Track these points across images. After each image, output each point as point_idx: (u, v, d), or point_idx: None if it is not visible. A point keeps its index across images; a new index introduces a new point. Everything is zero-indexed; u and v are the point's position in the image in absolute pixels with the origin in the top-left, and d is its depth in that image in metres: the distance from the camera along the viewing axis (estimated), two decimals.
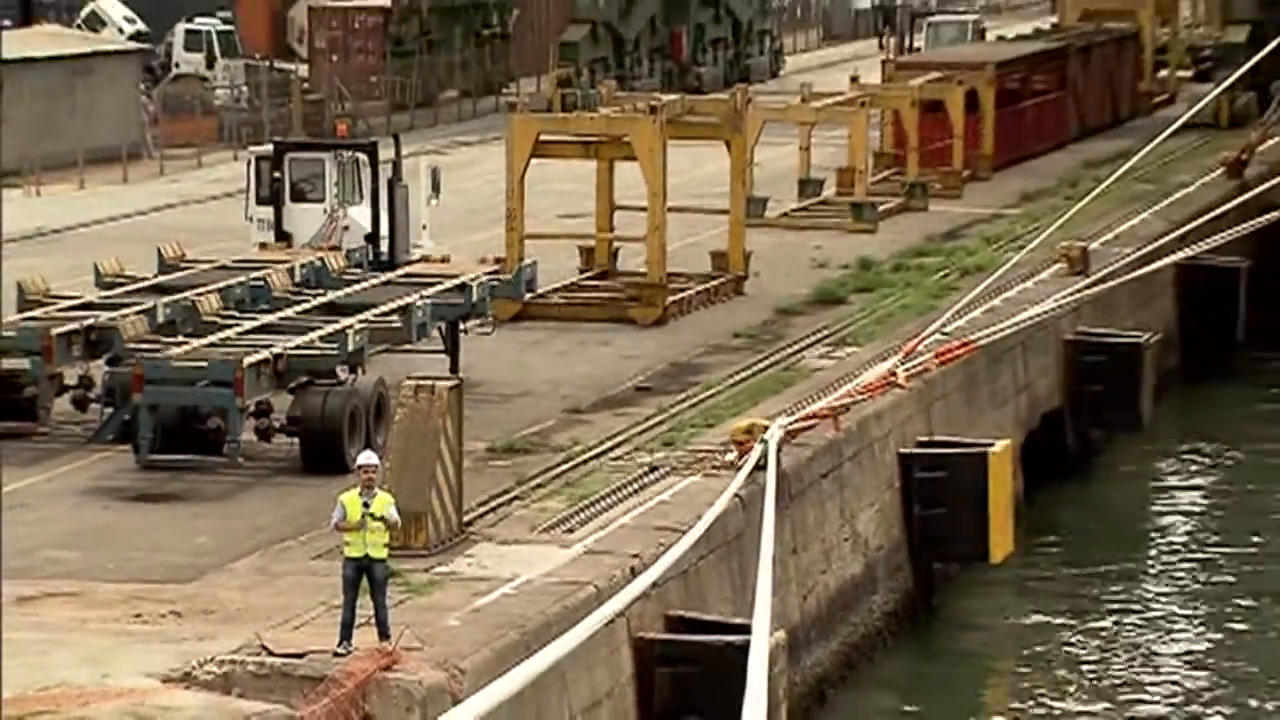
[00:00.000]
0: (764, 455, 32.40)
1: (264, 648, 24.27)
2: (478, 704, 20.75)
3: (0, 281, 29.05)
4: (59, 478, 31.97)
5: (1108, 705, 34.21)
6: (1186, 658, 36.55)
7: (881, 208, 56.26)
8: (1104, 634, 37.24)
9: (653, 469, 33.18)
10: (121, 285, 36.81)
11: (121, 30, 75.47)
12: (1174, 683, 35.30)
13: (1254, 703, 34.49)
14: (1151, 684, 35.20)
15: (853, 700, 33.68)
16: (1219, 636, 37.55)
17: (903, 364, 38.42)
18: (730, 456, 33.02)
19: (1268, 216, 44.96)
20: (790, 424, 34.08)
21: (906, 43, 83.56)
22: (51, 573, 27.54)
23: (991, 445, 37.63)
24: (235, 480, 31.65)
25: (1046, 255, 46.50)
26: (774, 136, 57.74)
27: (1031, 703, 34.50)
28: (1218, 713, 34.08)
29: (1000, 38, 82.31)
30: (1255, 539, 42.94)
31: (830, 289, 46.90)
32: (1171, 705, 34.30)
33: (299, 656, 24.11)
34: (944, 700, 34.51)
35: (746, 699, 20.38)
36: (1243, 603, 39.39)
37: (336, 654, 24.13)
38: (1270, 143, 62.47)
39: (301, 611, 25.89)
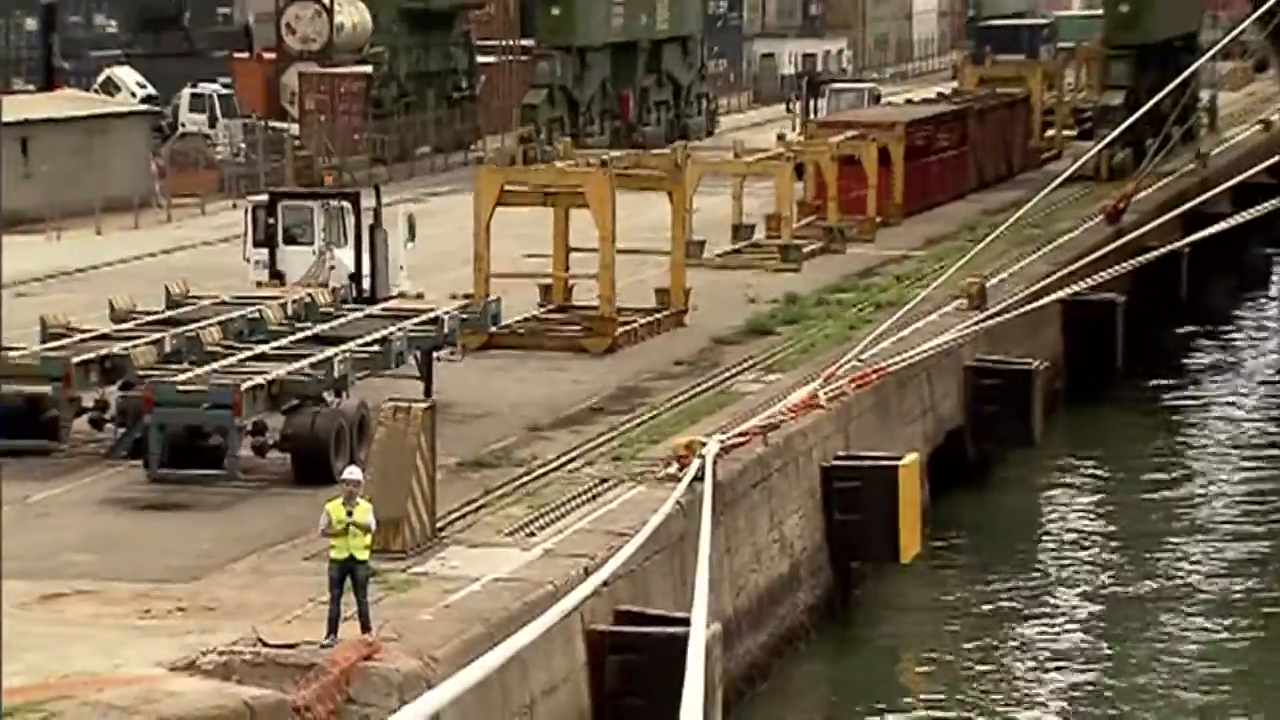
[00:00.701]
0: (702, 468, 32.40)
1: (260, 640, 24.22)
2: (449, 689, 20.66)
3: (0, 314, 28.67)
4: (78, 489, 31.89)
5: (1001, 686, 34.28)
6: (1073, 645, 36.58)
7: (805, 250, 56.24)
8: (1000, 624, 37.30)
9: (603, 480, 33.10)
10: (133, 319, 36.76)
11: (133, 94, 75.36)
12: (1061, 668, 35.34)
13: (1134, 683, 34.58)
14: (1040, 669, 35.24)
15: (781, 685, 33.62)
16: (1103, 625, 37.62)
17: (824, 388, 38.51)
18: (672, 469, 32.96)
19: (1141, 258, 45.08)
20: (725, 440, 34.03)
21: (812, 106, 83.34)
22: (71, 573, 27.48)
23: (901, 459, 37.63)
24: (234, 491, 31.58)
25: (949, 292, 46.56)
26: (710, 187, 57.77)
27: (937, 683, 34.59)
28: (1101, 694, 34.15)
29: (909, 100, 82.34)
30: (1133, 540, 43.04)
31: (760, 321, 46.90)
32: (1058, 688, 34.37)
33: (291, 647, 24.09)
34: (861, 683, 34.52)
35: (686, 684, 20.32)
36: (1122, 593, 39.46)
37: (324, 645, 24.12)
38: (1143, 193, 62.66)
39: (293, 607, 25.83)
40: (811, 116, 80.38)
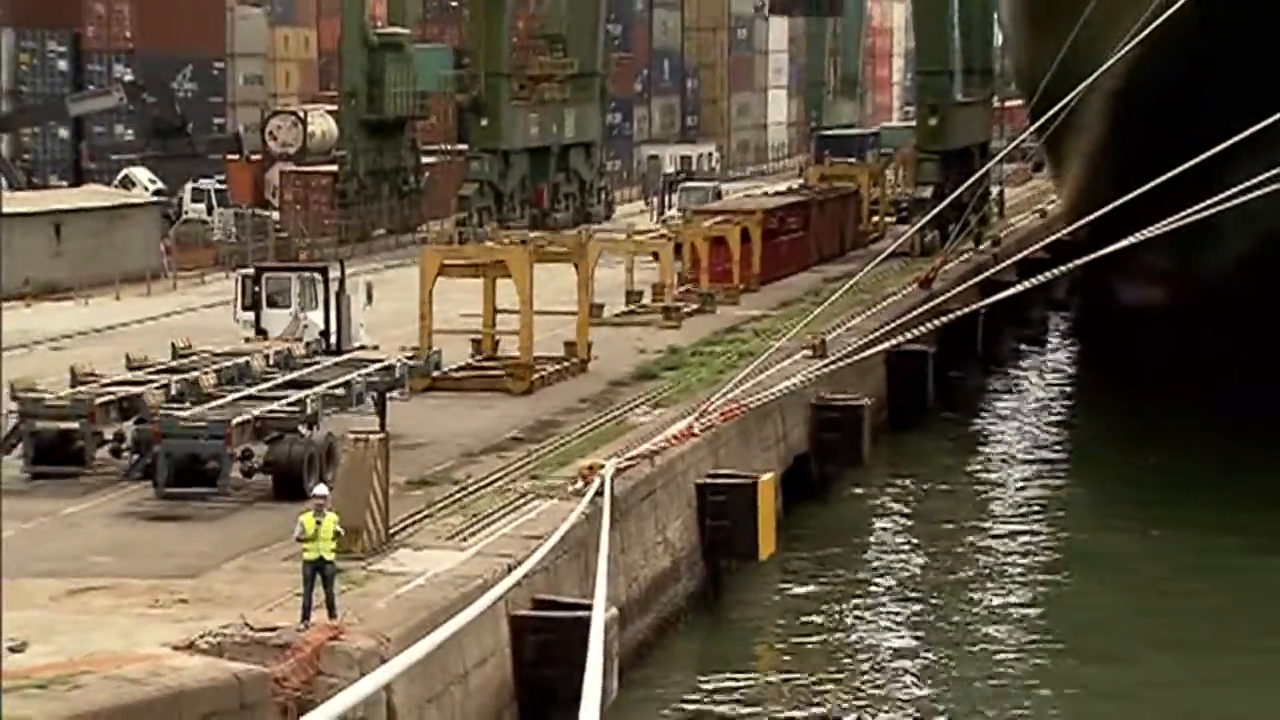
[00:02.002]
0: (602, 485, 32.43)
1: (247, 624, 24.02)
2: (400, 662, 20.49)
3: (0, 370, 28.26)
4: (100, 505, 31.63)
5: (839, 658, 34.25)
6: (896, 623, 36.62)
7: (683, 311, 56.38)
8: (839, 608, 37.25)
9: (523, 495, 32.97)
10: (145, 368, 36.53)
11: (146, 189, 75.04)
12: (886, 641, 35.38)
13: (943, 651, 34.69)
14: (870, 643, 35.25)
15: (665, 658, 33.56)
16: (920, 606, 37.68)
17: (698, 420, 38.61)
18: (578, 486, 32.88)
19: (946, 317, 45.23)
20: (620, 463, 34.04)
21: (667, 200, 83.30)
22: (94, 572, 27.25)
23: (760, 477, 37.67)
24: (226, 506, 31.37)
25: (797, 344, 46.62)
26: (607, 261, 57.78)
27: (789, 656, 34.54)
28: (918, 660, 34.19)
29: (765, 193, 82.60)
30: (941, 537, 43.25)
31: (648, 368, 46.93)
32: (884, 658, 34.38)
33: (272, 630, 23.91)
34: (729, 656, 34.40)
35: (588, 658, 20.21)
36: (933, 580, 39.59)
37: (298, 629, 23.93)
38: (948, 266, 63.05)
39: (274, 598, 25.63)
40: (666, 209, 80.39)
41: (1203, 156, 36.45)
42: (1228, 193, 35.63)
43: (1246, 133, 36.39)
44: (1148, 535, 43.01)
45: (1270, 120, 36.45)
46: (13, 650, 22.95)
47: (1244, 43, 48.23)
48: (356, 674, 22.73)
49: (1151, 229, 35.95)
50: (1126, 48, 43.40)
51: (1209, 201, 35.68)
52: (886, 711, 31.49)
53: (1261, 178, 35.56)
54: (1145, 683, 33.24)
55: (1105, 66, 45.18)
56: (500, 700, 27.65)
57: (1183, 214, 35.69)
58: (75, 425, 33.04)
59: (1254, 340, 54.61)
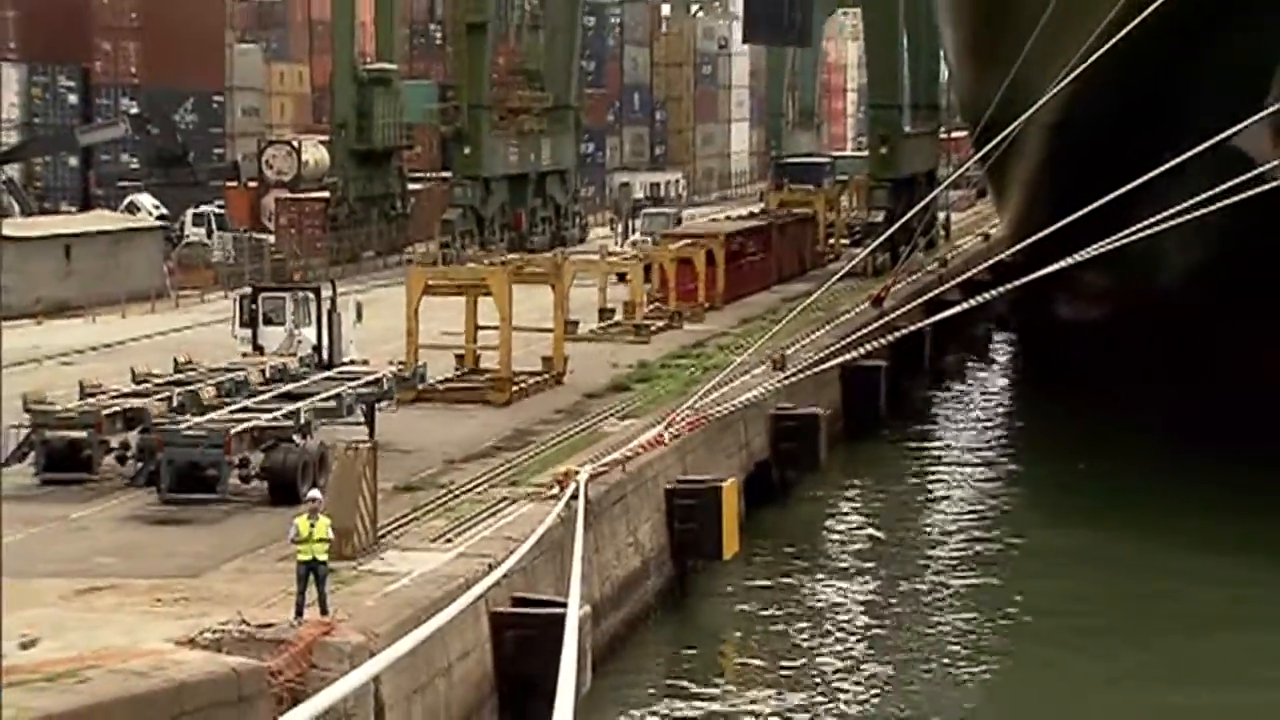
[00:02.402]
0: (576, 490, 32.37)
1: (244, 621, 23.97)
2: (387, 656, 20.47)
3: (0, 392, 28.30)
4: (107, 510, 31.52)
5: (799, 647, 34.29)
6: (851, 613, 36.70)
7: (652, 328, 56.43)
8: (798, 602, 37.32)
9: (503, 499, 32.97)
10: (149, 381, 36.44)
11: (150, 214, 74.86)
12: (843, 631, 35.43)
13: (892, 638, 34.81)
14: (826, 632, 35.26)
15: (636, 652, 33.56)
16: (872, 597, 37.82)
17: (667, 429, 38.61)
18: (554, 491, 32.84)
19: (897, 334, 45.31)
20: (594, 469, 34.02)
21: (630, 225, 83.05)
22: (100, 573, 27.16)
23: (724, 481, 37.69)
24: (225, 510, 31.25)
25: (759, 358, 46.61)
26: (581, 281, 57.81)
27: (752, 647, 34.62)
28: (871, 648, 34.22)
29: (728, 217, 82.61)
30: (892, 535, 43.37)
31: (620, 380, 46.91)
32: (839, 646, 34.42)
33: (267, 626, 23.86)
34: (697, 649, 34.47)
35: (564, 652, 20.18)
36: (884, 573, 39.68)
37: (292, 624, 23.92)
38: (898, 286, 63.11)
39: (269, 597, 25.59)
40: (630, 233, 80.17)
41: (1133, 184, 36.66)
42: (1157, 217, 35.81)
43: (1173, 162, 36.61)
44: (1081, 534, 43.13)
45: (1194, 151, 36.67)
46: (23, 646, 22.90)
47: (1171, 79, 48.43)
48: (347, 667, 22.68)
49: (1086, 251, 36.09)
50: (1062, 83, 43.61)
51: (1139, 225, 35.87)
52: (843, 699, 31.51)
53: (1187, 204, 35.73)
54: (1078, 670, 33.36)
55: (1043, 100, 45.33)
56: (481, 692, 27.63)
57: (1115, 237, 35.88)
58: (83, 435, 32.99)
59: (1183, 354, 54.80)
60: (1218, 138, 37.40)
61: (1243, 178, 35.74)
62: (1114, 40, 42.54)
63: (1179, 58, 47.86)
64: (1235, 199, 35.39)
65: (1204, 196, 35.71)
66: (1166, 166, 36.43)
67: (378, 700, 23.86)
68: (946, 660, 33.95)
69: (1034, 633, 36.00)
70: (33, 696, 20.68)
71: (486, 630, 27.77)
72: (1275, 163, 37.70)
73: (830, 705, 31.25)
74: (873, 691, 32.08)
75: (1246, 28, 47.20)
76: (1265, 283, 50.51)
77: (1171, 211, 35.65)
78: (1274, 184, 36.48)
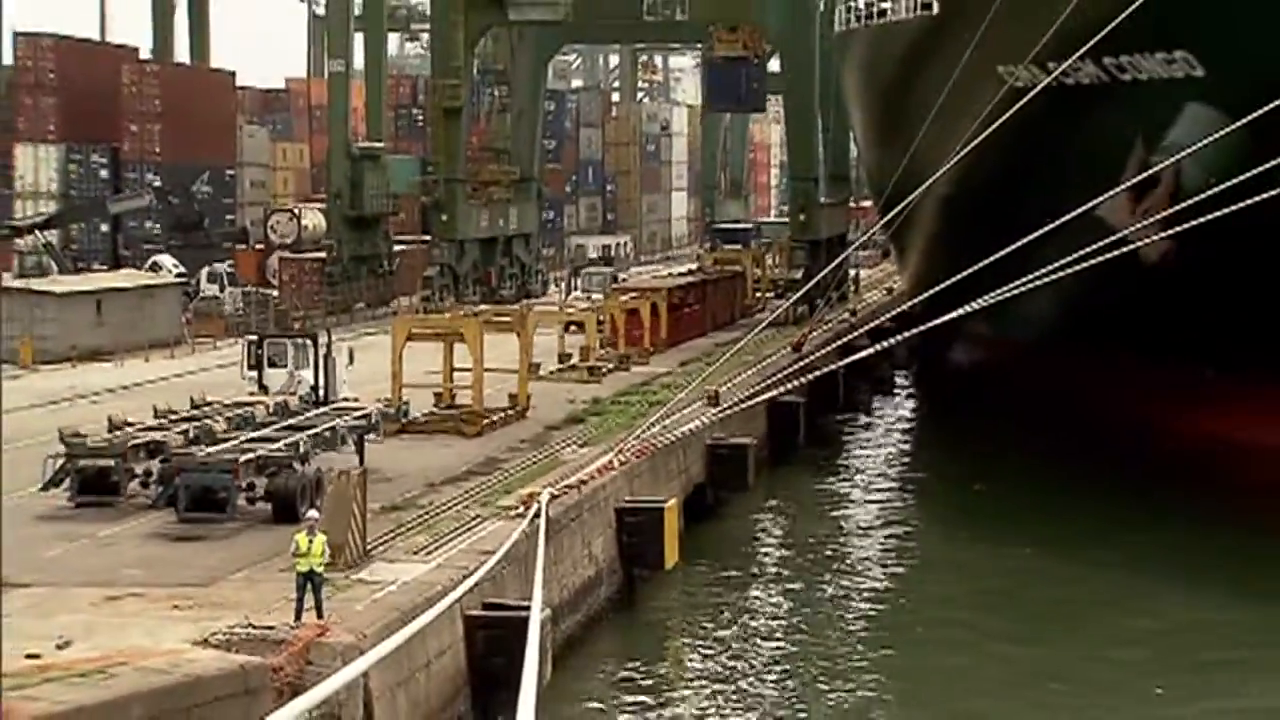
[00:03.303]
0: (539, 509, 32.40)
1: (250, 624, 23.91)
2: (375, 654, 20.44)
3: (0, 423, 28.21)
4: (132, 528, 31.37)
5: (731, 643, 34.31)
6: (775, 612, 36.81)
7: (604, 369, 56.36)
8: (730, 604, 37.36)
9: (475, 518, 32.94)
10: (168, 416, 36.24)
11: (170, 272, 74.45)
12: (769, 627, 35.50)
13: (812, 631, 34.81)
14: (755, 630, 35.32)
15: (590, 649, 33.54)
16: (794, 599, 37.83)
17: (617, 456, 38.67)
18: (520, 510, 32.87)
19: (814, 374, 45.49)
20: (554, 491, 34.03)
21: (573, 284, 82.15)
22: (126, 582, 27.05)
23: (666, 502, 37.80)
24: (234, 528, 31.14)
25: (696, 395, 46.62)
26: (543, 330, 57.74)
27: (692, 644, 34.60)
28: (793, 642, 34.29)
29: (670, 274, 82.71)
30: (810, 546, 43.33)
31: (576, 414, 46.88)
32: (766, 642, 34.41)
33: (271, 628, 23.81)
34: (643, 646, 34.49)
35: (527, 650, 20.20)
36: (805, 577, 39.70)
37: (292, 627, 23.87)
38: (815, 333, 63.30)
39: (272, 603, 25.51)
40: (572, 290, 79.28)
41: (1012, 247, 36.91)
42: (1032, 275, 36.05)
43: (1045, 229, 36.88)
44: (972, 546, 43.35)
45: (1063, 220, 36.97)
46: (60, 647, 22.82)
47: (1043, 159, 48.82)
48: (339, 664, 22.62)
49: (974, 304, 36.27)
50: (952, 163, 43.97)
51: (1017, 282, 36.07)
52: (769, 687, 31.61)
53: (1057, 264, 36.01)
54: (975, 661, 33.51)
55: (936, 177, 45.67)
56: (455, 684, 27.59)
57: (997, 292, 36.07)
58: (112, 463, 32.83)
59: (1054, 391, 55.18)
60: (1082, 208, 37.71)
61: (1104, 242, 36.02)
62: (994, 127, 42.97)
63: (1049, 141, 48.33)
64: (1098, 260, 35.65)
65: (1072, 258, 35.98)
66: (1040, 232, 36.70)
67: (366, 693, 23.81)
68: (858, 653, 34.05)
69: (934, 629, 36.10)
70: (67, 690, 20.63)
71: (461, 631, 27.77)
72: (1131, 229, 38.09)
73: (757, 693, 31.35)
74: (794, 680, 32.20)
75: (1104, 118, 47.71)
76: (1123, 329, 50.94)
77: (1044, 270, 35.91)
78: (1131, 246, 36.82)
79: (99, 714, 20.39)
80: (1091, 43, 43.49)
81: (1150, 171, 42.74)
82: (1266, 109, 36.07)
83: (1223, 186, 35.51)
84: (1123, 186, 42.55)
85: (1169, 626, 35.78)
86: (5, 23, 72.89)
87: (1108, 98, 46.87)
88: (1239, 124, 37.39)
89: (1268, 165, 34.75)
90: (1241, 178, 34.99)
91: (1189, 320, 48.48)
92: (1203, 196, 35.71)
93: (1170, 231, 37.88)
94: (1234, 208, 34.96)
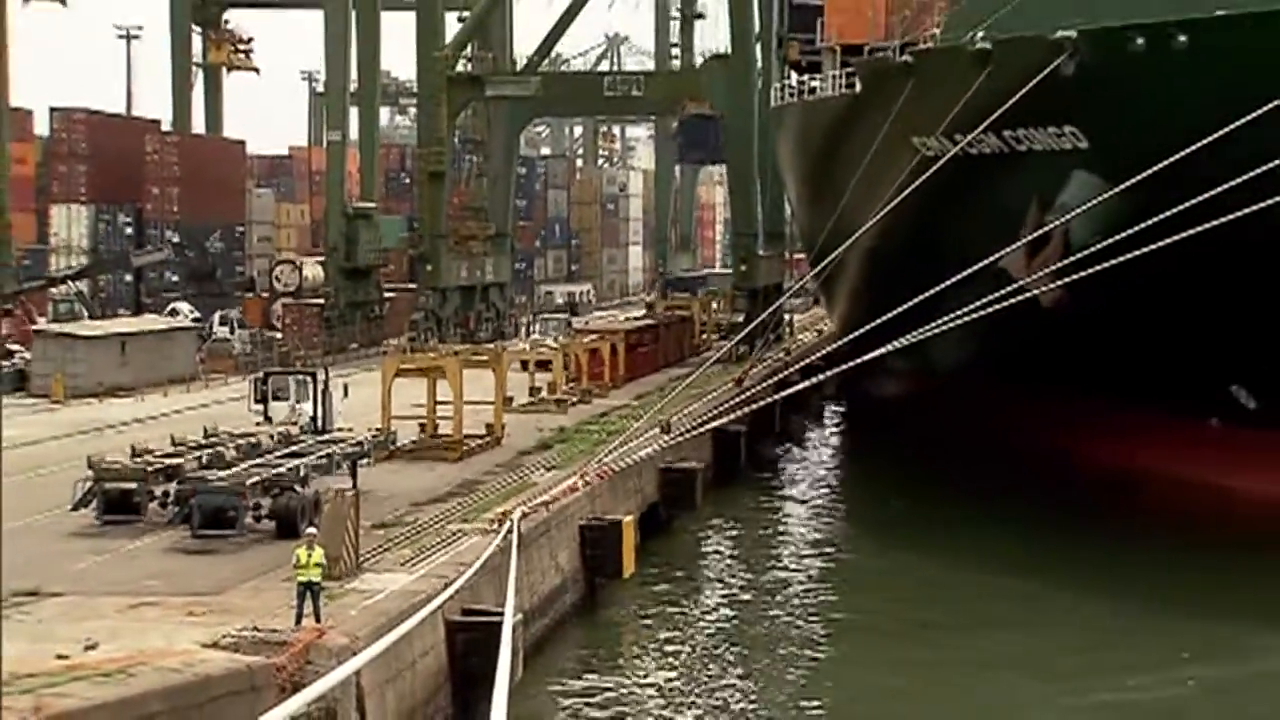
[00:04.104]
0: (512, 525, 32.34)
1: (256, 628, 23.77)
2: (366, 654, 20.35)
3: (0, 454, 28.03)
4: (152, 543, 31.11)
5: (685, 644, 34.20)
6: (721, 615, 36.69)
7: (570, 402, 56.30)
8: (681, 611, 37.27)
9: (456, 533, 32.83)
10: (184, 444, 36.00)
11: (187, 317, 74.24)
12: (718, 629, 35.44)
13: (763, 647, 34.70)
14: (707, 637, 35.23)
15: (557, 650, 33.44)
16: (737, 602, 37.74)
17: (581, 478, 38.63)
18: (495, 526, 32.80)
19: (754, 405, 45.61)
20: (525, 509, 34.00)
21: (531, 328, 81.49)
22: (146, 591, 26.83)
23: (624, 518, 37.71)
24: (242, 544, 30.93)
25: (651, 424, 46.58)
26: (516, 368, 57.66)
27: (647, 643, 34.46)
28: (741, 641, 34.27)
29: (627, 318, 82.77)
30: (753, 561, 43.37)
31: (545, 442, 46.81)
32: (713, 643, 34.33)
33: (274, 632, 23.67)
34: (605, 646, 34.37)
35: (501, 649, 20.16)
36: (748, 584, 39.73)
37: (293, 630, 23.73)
38: (755, 370, 63.36)
39: (276, 609, 25.31)
40: (530, 334, 78.51)
41: (926, 294, 37.14)
42: (943, 319, 36.26)
43: (955, 279, 37.13)
44: (891, 555, 43.48)
45: (968, 271, 37.23)
46: (87, 649, 22.64)
47: (952, 217, 49.14)
48: (335, 663, 22.48)
49: (893, 344, 36.47)
50: (873, 221, 44.28)
51: (931, 325, 36.29)
52: (717, 680, 31.54)
53: (965, 309, 36.24)
54: (899, 658, 33.58)
55: (860, 232, 46.02)
56: (437, 681, 27.46)
57: (914, 334, 36.27)
58: (134, 486, 32.59)
59: (964, 420, 55.43)
60: (986, 261, 37.98)
61: (1005, 290, 36.27)
62: (909, 190, 43.30)
63: (957, 203, 48.67)
64: (1000, 305, 35.89)
65: (978, 304, 36.21)
66: (950, 282, 36.95)
67: (359, 689, 23.69)
68: (792, 648, 34.08)
69: (862, 630, 36.14)
70: (94, 688, 20.48)
71: (442, 634, 27.64)
72: (1028, 279, 38.38)
73: (706, 684, 31.30)
74: (737, 672, 32.18)
75: (1003, 183, 48.09)
76: (1023, 365, 51.23)
77: (954, 314, 36.13)
78: (1029, 294, 37.09)
79: (121, 709, 20.25)
80: (992, 118, 43.96)
81: (1044, 230, 43.12)
82: (1140, 176, 36.46)
83: (1106, 242, 35.83)
84: (1021, 242, 42.99)
85: (1064, 624, 35.95)
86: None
87: (1006, 166, 47.26)
88: (1118, 189, 37.78)
89: (1143, 224, 35.07)
90: (1121, 235, 35.31)
91: (1081, 357, 48.85)
92: (1089, 251, 36.01)
93: (1062, 281, 38.19)
94: (1116, 260, 35.28)
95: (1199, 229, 34.14)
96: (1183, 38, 39.90)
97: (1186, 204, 34.62)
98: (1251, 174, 34.53)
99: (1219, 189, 34.58)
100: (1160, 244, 34.42)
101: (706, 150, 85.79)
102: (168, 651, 22.56)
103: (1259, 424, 45.55)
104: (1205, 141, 35.65)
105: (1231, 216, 34.04)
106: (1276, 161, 34.49)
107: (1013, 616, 36.70)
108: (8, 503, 33.47)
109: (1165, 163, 36.02)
